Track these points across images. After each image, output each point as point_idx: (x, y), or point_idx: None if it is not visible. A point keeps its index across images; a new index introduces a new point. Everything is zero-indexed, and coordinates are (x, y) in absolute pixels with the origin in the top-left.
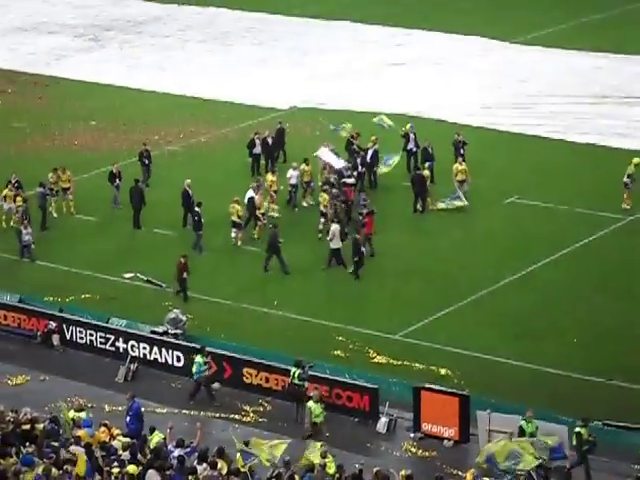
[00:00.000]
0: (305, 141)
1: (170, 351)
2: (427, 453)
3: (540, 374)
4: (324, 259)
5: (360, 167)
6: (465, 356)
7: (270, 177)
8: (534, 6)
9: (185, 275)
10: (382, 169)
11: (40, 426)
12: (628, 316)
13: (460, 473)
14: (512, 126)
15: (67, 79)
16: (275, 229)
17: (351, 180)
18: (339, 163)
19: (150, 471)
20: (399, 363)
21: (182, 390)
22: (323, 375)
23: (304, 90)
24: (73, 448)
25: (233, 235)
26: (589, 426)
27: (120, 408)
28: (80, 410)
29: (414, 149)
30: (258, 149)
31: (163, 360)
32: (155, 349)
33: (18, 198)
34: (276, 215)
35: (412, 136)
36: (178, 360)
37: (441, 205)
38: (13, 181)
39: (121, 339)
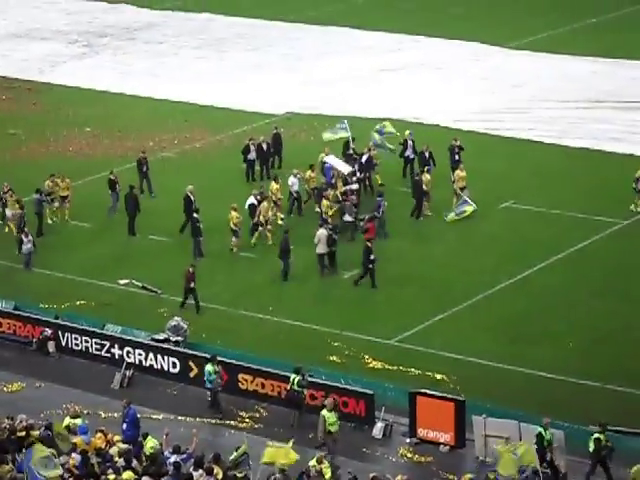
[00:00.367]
0: (300, 147)
1: (166, 357)
2: (423, 458)
3: (536, 379)
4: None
5: (359, 172)
6: (461, 361)
7: (274, 185)
8: (529, 11)
9: (193, 285)
10: (451, 216)
11: (36, 433)
12: (624, 320)
13: (456, 478)
14: (507, 131)
15: (61, 85)
16: (287, 234)
17: (355, 186)
18: (346, 169)
19: (144, 478)
20: (395, 368)
21: (178, 396)
22: (319, 380)
23: (299, 96)
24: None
25: (233, 241)
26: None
27: (116, 415)
28: (76, 417)
29: (411, 156)
30: (253, 155)
31: (159, 366)
32: (151, 355)
33: (16, 205)
34: (279, 222)
35: (410, 143)
36: (174, 366)
37: (452, 216)
38: (6, 189)
39: (117, 345)
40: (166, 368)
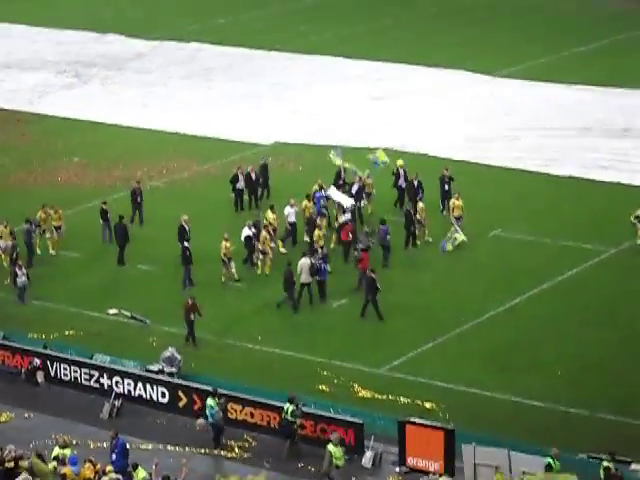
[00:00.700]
0: (289, 177)
1: (155, 387)
2: None
3: (525, 407)
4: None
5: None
6: (450, 390)
7: (271, 214)
8: (517, 39)
9: (193, 317)
10: (449, 246)
11: (25, 464)
12: (612, 349)
13: None
14: (495, 159)
15: (50, 116)
16: (290, 266)
17: (347, 216)
18: (348, 202)
19: None
20: (384, 397)
21: (166, 426)
22: (308, 410)
23: (287, 125)
24: None
25: (232, 271)
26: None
27: (105, 445)
28: (65, 447)
29: (404, 185)
30: (241, 184)
31: (148, 396)
32: (139, 385)
33: (9, 236)
34: (282, 251)
35: (402, 172)
36: (163, 396)
37: (449, 247)
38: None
39: (105, 375)
40: (155, 398)
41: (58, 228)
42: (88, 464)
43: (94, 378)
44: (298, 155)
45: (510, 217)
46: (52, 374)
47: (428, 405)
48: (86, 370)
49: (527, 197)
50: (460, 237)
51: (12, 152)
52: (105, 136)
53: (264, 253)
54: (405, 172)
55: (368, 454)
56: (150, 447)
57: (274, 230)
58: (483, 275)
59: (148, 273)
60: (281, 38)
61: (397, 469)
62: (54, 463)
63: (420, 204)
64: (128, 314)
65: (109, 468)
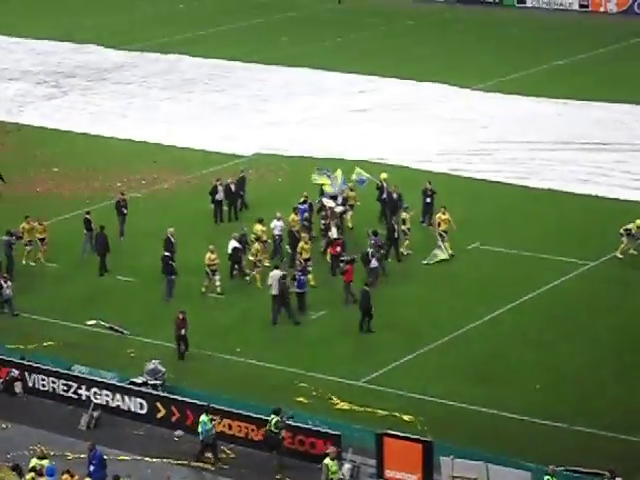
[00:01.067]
0: (267, 188)
1: (133, 398)
2: None
3: (503, 420)
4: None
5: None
6: (429, 402)
7: (259, 227)
8: (494, 53)
9: (183, 332)
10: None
11: (1, 475)
12: (591, 361)
13: None
14: (473, 172)
15: (29, 126)
16: (284, 280)
17: (335, 235)
18: (339, 208)
19: None
20: (362, 409)
21: (145, 437)
22: (287, 422)
23: (266, 137)
24: None
25: (217, 284)
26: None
27: (82, 455)
28: (43, 458)
29: (387, 199)
30: (220, 196)
31: (126, 407)
32: (118, 396)
33: None
34: (266, 264)
35: (385, 185)
36: (141, 407)
37: (425, 262)
38: None
39: (84, 387)
40: (133, 409)
41: (42, 240)
42: (66, 475)
43: (72, 389)
44: (277, 166)
45: (489, 230)
46: (30, 385)
47: (406, 417)
48: (64, 381)
49: (506, 210)
50: (441, 255)
51: None
52: (85, 147)
53: (257, 266)
54: (387, 185)
55: (346, 466)
56: (128, 458)
57: (264, 242)
58: (462, 288)
59: (127, 284)
60: (260, 50)
61: None
62: (32, 474)
63: (404, 214)
64: (106, 325)
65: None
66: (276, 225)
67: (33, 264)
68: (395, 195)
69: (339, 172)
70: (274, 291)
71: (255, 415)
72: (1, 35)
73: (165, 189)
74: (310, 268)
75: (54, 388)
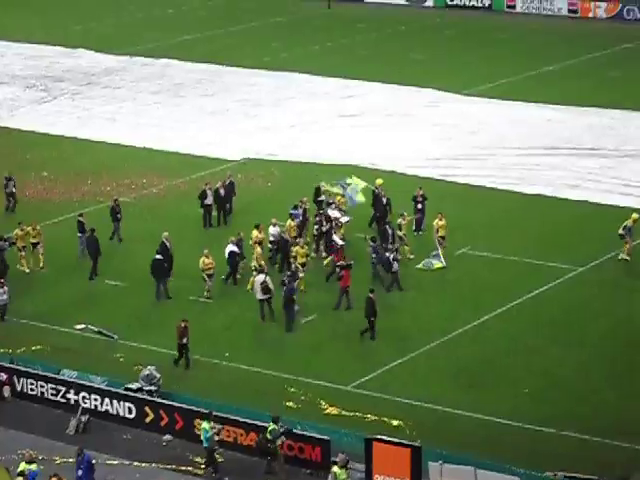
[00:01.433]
0: (257, 193)
1: (121, 403)
2: None
3: (492, 425)
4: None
5: (325, 221)
6: (417, 407)
7: (255, 232)
8: (485, 58)
9: (185, 340)
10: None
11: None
12: (579, 366)
13: None
14: (463, 177)
15: (18, 130)
16: (287, 286)
17: (339, 240)
18: (344, 218)
19: None
20: (351, 414)
21: (133, 442)
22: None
23: (256, 141)
24: None
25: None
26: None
27: (71, 460)
28: (31, 462)
29: (386, 203)
30: (209, 200)
31: (114, 412)
32: (106, 401)
33: None
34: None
35: (380, 192)
36: (129, 412)
37: (419, 266)
38: None
39: (72, 391)
40: (122, 413)
41: (36, 245)
42: (54, 479)
43: (61, 393)
44: (267, 171)
45: (478, 235)
46: (19, 389)
47: (395, 422)
48: (53, 385)
49: (495, 215)
50: (437, 264)
51: None
52: (74, 151)
53: (258, 270)
54: (381, 191)
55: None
56: (116, 463)
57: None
58: (451, 293)
59: (116, 288)
60: (250, 54)
61: None
62: (20, 478)
63: (399, 220)
64: (95, 329)
65: None
66: (272, 231)
67: (27, 270)
68: (384, 200)
69: (355, 186)
70: (258, 295)
71: (243, 419)
72: None
73: (154, 193)
74: (302, 274)
75: (43, 392)
